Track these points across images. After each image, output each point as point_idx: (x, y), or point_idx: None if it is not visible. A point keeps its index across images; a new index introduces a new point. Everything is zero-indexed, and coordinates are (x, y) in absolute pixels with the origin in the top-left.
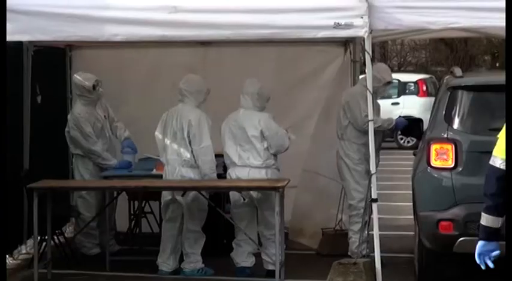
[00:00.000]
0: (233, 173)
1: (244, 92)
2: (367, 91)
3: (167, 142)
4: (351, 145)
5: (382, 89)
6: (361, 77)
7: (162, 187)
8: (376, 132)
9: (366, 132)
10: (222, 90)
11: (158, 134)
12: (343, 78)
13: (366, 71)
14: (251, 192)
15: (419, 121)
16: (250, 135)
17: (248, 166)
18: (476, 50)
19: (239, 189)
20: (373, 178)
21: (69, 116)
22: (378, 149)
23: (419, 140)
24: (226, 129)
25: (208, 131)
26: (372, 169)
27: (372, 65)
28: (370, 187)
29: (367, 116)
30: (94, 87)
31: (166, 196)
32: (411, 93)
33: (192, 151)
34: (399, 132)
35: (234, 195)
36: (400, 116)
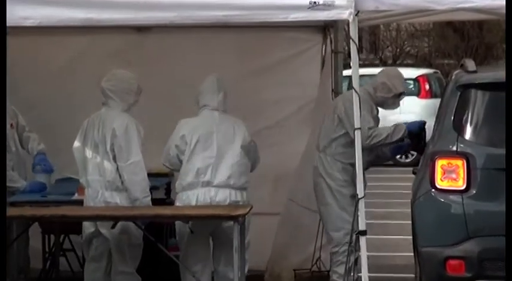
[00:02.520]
0: (204, 195)
1: (210, 91)
2: (354, 93)
3: (88, 157)
4: (335, 163)
5: (392, 101)
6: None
7: (86, 216)
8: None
9: (365, 149)
10: (164, 88)
11: (77, 147)
12: (325, 76)
13: (351, 64)
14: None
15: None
16: (240, 147)
17: (228, 187)
18: (493, 37)
19: (187, 218)
20: (361, 204)
21: None
22: (364, 169)
23: (420, 155)
24: (195, 136)
25: (139, 142)
26: (360, 192)
27: (359, 56)
28: (357, 216)
29: (371, 128)
30: None
31: (88, 227)
32: (410, 93)
33: (117, 169)
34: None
35: (180, 226)
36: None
